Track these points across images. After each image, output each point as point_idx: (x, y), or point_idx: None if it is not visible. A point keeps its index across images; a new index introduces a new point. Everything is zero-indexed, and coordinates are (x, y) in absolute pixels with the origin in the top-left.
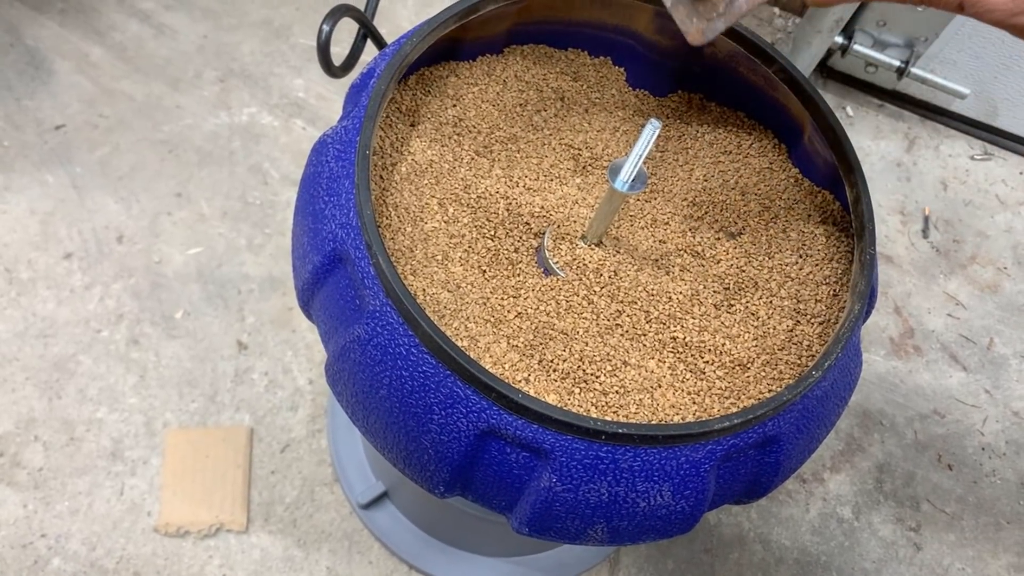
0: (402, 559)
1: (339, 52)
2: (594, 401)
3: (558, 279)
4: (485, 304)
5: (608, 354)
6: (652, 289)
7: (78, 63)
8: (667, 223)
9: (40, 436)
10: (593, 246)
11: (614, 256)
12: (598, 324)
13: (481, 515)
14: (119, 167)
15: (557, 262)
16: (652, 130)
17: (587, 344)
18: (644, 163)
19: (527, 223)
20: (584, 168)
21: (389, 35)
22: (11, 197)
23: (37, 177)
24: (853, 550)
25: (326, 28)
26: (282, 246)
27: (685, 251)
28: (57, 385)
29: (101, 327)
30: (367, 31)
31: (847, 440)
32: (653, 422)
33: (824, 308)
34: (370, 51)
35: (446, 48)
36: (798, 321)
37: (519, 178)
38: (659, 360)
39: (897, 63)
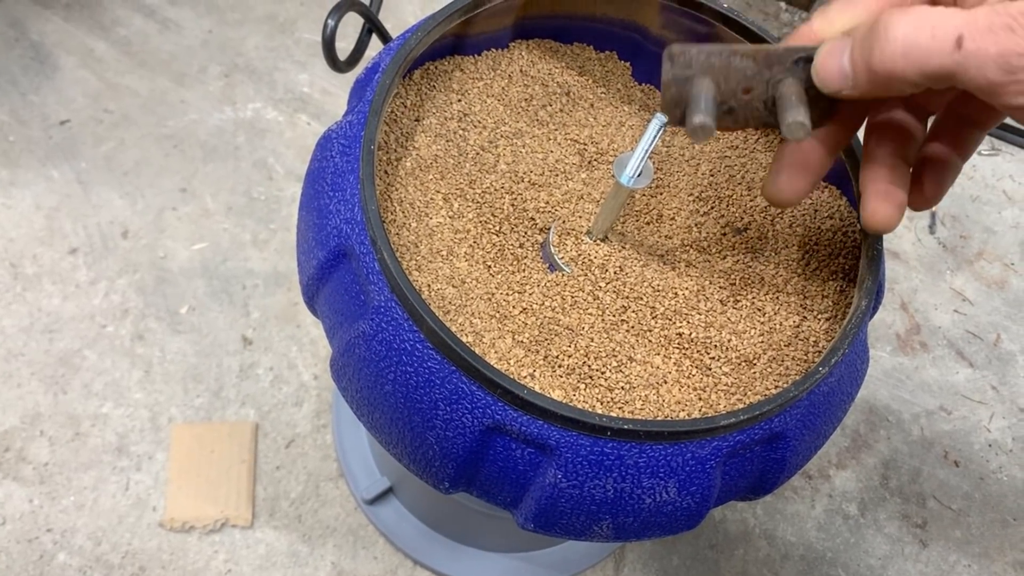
0: (407, 554)
1: (344, 47)
2: (599, 397)
3: (563, 275)
4: (490, 300)
5: (614, 350)
6: (658, 285)
7: (83, 58)
8: (673, 218)
9: (45, 431)
10: (599, 241)
11: (620, 251)
12: (603, 320)
13: (486, 511)
14: (124, 162)
15: (562, 257)
16: (658, 124)
17: (592, 340)
18: (650, 158)
19: (532, 218)
20: (590, 163)
21: (394, 30)
22: (16, 192)
23: (42, 172)
24: (859, 546)
25: (331, 23)
26: (286, 241)
27: (691, 246)
28: (63, 380)
29: (106, 322)
30: (372, 26)
31: (853, 437)
32: (659, 418)
33: (831, 304)
34: (375, 46)
35: (451, 43)
36: (804, 317)
37: (524, 173)
38: (665, 356)
39: None
